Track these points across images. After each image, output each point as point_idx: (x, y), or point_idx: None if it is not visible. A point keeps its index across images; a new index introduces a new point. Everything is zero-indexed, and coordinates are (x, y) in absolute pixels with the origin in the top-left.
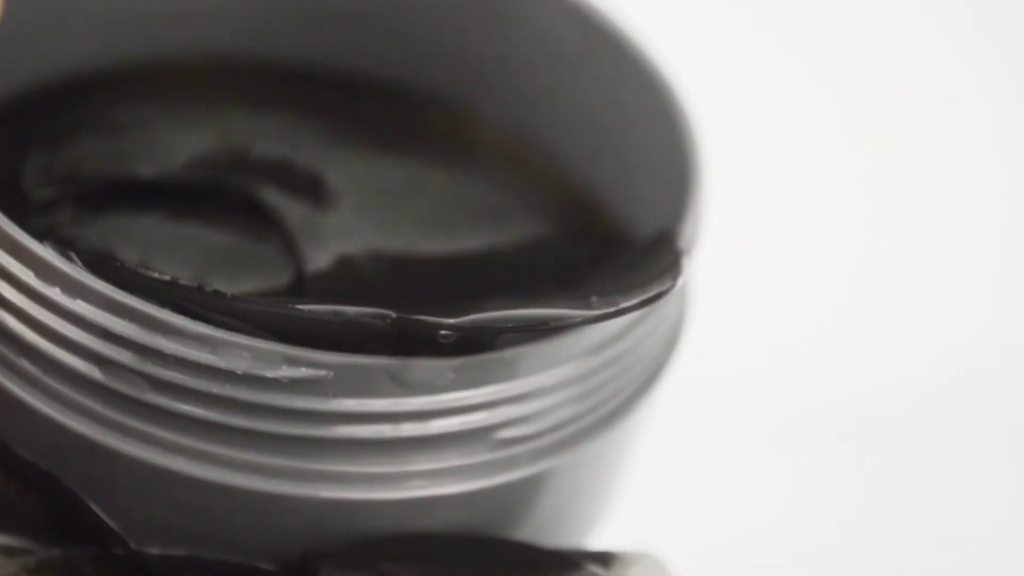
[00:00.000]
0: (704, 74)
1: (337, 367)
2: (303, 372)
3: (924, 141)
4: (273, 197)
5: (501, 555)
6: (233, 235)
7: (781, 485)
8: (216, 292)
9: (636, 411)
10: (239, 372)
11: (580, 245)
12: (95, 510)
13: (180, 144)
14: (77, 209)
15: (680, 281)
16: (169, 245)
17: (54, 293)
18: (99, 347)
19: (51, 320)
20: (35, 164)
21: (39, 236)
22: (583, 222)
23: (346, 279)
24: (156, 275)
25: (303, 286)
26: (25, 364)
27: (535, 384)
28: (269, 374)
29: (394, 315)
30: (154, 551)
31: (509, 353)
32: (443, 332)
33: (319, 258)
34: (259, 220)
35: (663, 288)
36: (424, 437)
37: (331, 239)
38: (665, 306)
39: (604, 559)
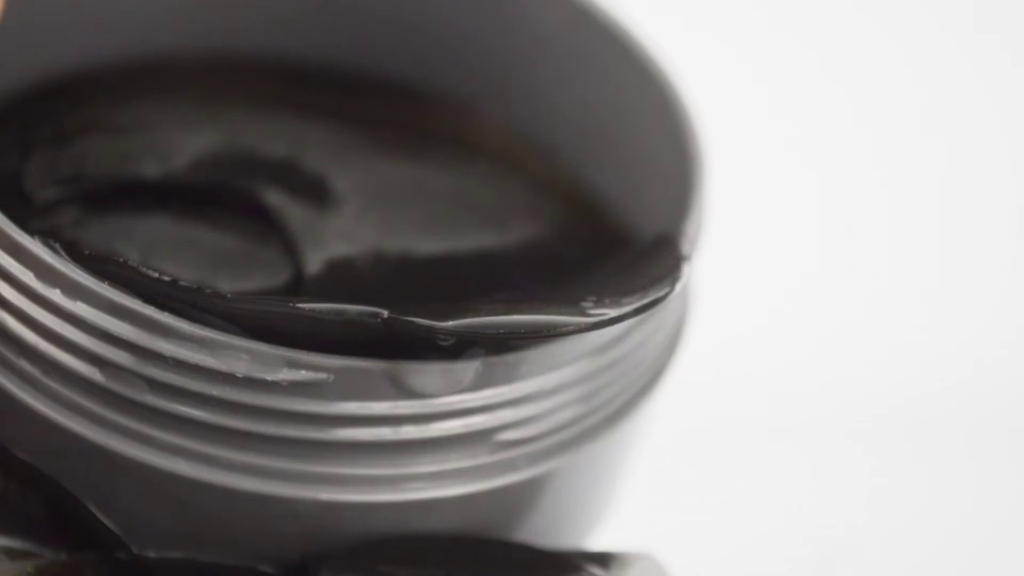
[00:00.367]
0: (708, 74)
1: (337, 370)
2: (303, 375)
3: (928, 142)
4: (276, 199)
5: (501, 556)
6: (236, 237)
7: (781, 487)
8: (198, 287)
9: (636, 413)
10: (239, 375)
11: (582, 246)
12: (96, 513)
13: (185, 144)
14: (80, 210)
15: (678, 287)
16: (171, 246)
17: (54, 295)
18: (99, 349)
19: (51, 322)
20: (39, 164)
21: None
22: (586, 223)
23: (346, 280)
24: (125, 261)
25: (302, 287)
26: (25, 365)
27: (535, 387)
28: (269, 377)
29: (386, 315)
30: (154, 554)
31: (510, 356)
32: (441, 335)
33: (320, 260)
34: (262, 222)
35: (659, 295)
36: (424, 440)
37: (333, 241)
38: (666, 309)
39: (603, 560)
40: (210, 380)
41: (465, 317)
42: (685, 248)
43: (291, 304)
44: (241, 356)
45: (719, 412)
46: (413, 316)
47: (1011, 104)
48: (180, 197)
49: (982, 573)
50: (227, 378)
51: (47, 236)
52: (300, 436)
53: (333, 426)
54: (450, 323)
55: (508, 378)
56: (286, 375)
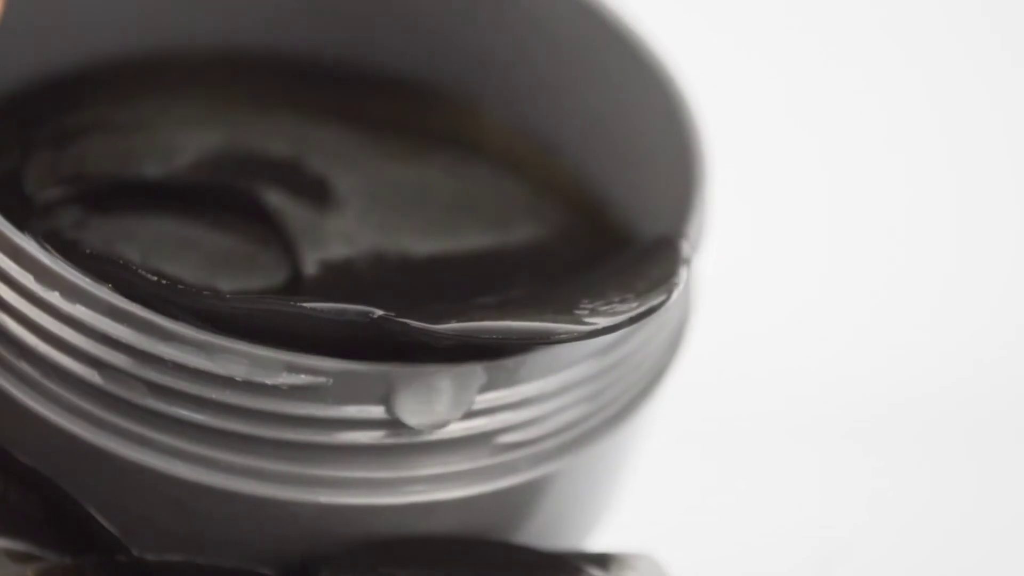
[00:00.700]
0: (711, 74)
1: (336, 374)
2: (302, 379)
3: (930, 142)
4: (277, 199)
5: (501, 558)
6: (236, 238)
7: (781, 487)
8: (193, 288)
9: (638, 414)
10: (238, 379)
11: (584, 245)
12: (96, 516)
13: (186, 144)
14: (81, 210)
15: (674, 295)
16: (172, 247)
17: (53, 297)
18: (98, 352)
19: (50, 324)
20: (39, 165)
21: (42, 238)
22: (587, 222)
23: (346, 281)
24: (125, 262)
25: (301, 287)
26: (25, 367)
27: (536, 390)
28: (268, 381)
29: (376, 315)
30: (154, 557)
31: (510, 360)
32: (432, 337)
33: (320, 261)
34: (262, 223)
35: (656, 303)
36: (424, 443)
37: (333, 242)
38: (668, 310)
39: (603, 561)
40: (209, 384)
41: (458, 320)
42: (685, 251)
43: (283, 303)
44: (240, 360)
45: (719, 412)
46: (405, 318)
47: (1012, 104)
48: (181, 197)
49: (983, 573)
50: (226, 382)
51: (48, 237)
52: (300, 439)
53: (333, 429)
54: (442, 326)
55: (509, 381)
56: (285, 379)
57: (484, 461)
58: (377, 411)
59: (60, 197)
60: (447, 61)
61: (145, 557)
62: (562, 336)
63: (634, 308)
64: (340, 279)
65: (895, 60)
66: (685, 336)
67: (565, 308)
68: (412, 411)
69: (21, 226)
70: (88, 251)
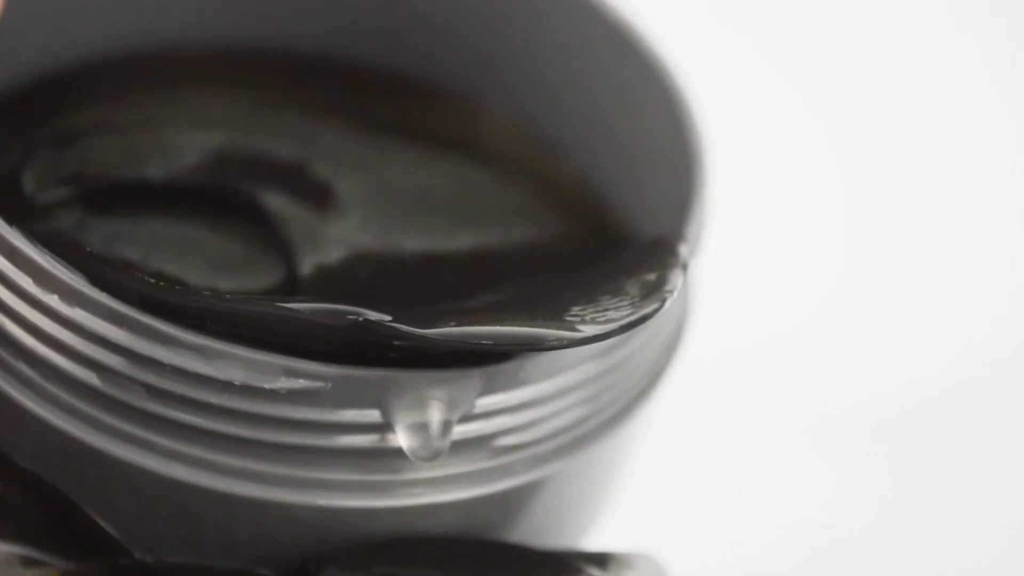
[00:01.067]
0: (712, 74)
1: (335, 378)
2: (301, 383)
3: (932, 141)
4: (278, 202)
5: (500, 558)
6: (237, 241)
7: (780, 488)
8: (176, 283)
9: (636, 416)
10: (236, 383)
11: (585, 245)
12: (97, 520)
13: (188, 144)
14: (82, 212)
15: (667, 304)
16: (172, 250)
17: (52, 300)
18: (97, 354)
19: (49, 326)
20: (40, 166)
21: (42, 240)
22: (589, 222)
23: (346, 282)
24: (125, 264)
25: (298, 289)
26: (24, 368)
27: (534, 393)
28: (267, 385)
29: (362, 318)
30: (155, 560)
31: (508, 364)
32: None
33: (320, 263)
34: (263, 224)
35: (649, 311)
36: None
37: (333, 244)
38: (664, 315)
39: (602, 561)
40: (208, 387)
41: (448, 324)
42: (683, 255)
43: (269, 303)
44: (238, 364)
45: (719, 413)
46: (394, 321)
47: (1014, 104)
48: (182, 199)
49: (983, 573)
50: (225, 385)
51: (48, 237)
52: (298, 443)
53: (331, 433)
54: (430, 331)
55: (507, 384)
56: (284, 383)
57: (482, 464)
58: (375, 415)
59: (61, 198)
60: (449, 60)
61: (146, 560)
62: (552, 343)
63: (627, 316)
64: (339, 281)
65: (896, 60)
66: (683, 338)
67: (557, 313)
68: (408, 417)
69: (21, 228)
70: (88, 250)
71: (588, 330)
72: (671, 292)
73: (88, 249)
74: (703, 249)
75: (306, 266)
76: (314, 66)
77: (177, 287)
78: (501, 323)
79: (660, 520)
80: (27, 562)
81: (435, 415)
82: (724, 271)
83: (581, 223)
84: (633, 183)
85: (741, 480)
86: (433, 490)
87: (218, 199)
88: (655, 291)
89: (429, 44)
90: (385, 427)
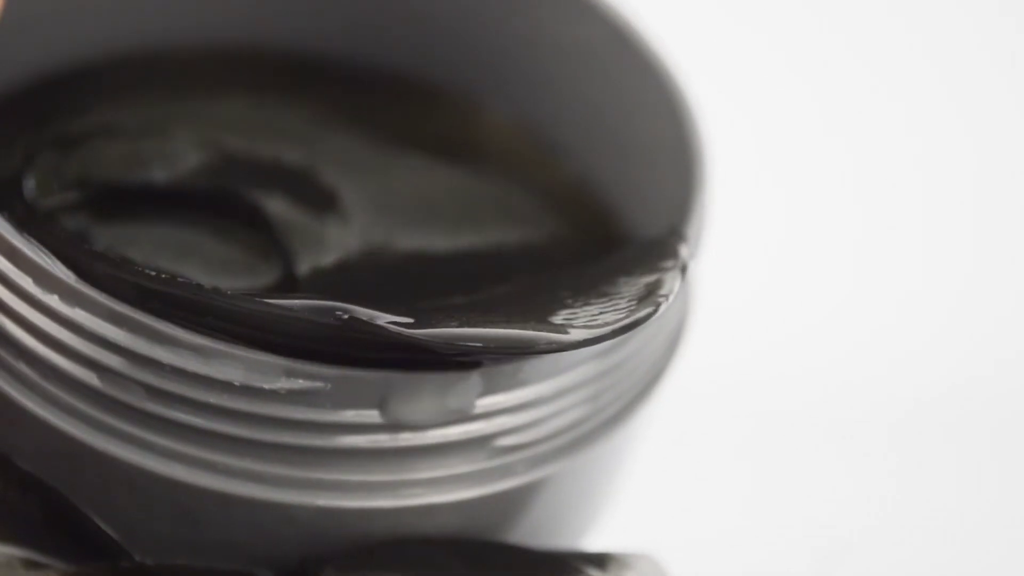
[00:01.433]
0: (713, 74)
1: (334, 379)
2: (300, 383)
3: (934, 140)
4: (280, 206)
5: (499, 559)
6: (238, 245)
7: (779, 488)
8: (148, 268)
9: (636, 417)
10: (236, 383)
11: (585, 244)
12: (97, 522)
13: (191, 148)
14: (84, 216)
15: (663, 308)
16: (173, 254)
17: (52, 300)
18: (96, 355)
19: (49, 327)
20: (41, 170)
21: (40, 236)
22: (589, 222)
23: (343, 283)
24: (124, 258)
25: (297, 287)
26: (24, 368)
27: (534, 393)
28: (267, 386)
29: (347, 316)
30: (155, 561)
31: (508, 365)
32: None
33: (319, 264)
34: (263, 230)
35: (643, 314)
36: (422, 446)
37: (333, 245)
38: (661, 316)
39: (601, 561)
40: (207, 387)
41: (440, 323)
42: (682, 257)
43: (258, 299)
44: (238, 365)
45: (719, 413)
46: (382, 320)
47: (1015, 104)
48: (184, 203)
49: (983, 574)
50: (224, 386)
51: (45, 234)
52: (298, 443)
53: (331, 433)
54: (418, 332)
55: (506, 385)
56: (284, 383)
57: (481, 464)
58: (374, 415)
59: (63, 203)
60: (449, 61)
61: (146, 562)
62: (543, 347)
63: (620, 320)
64: (338, 282)
65: (897, 59)
66: (684, 338)
67: (550, 315)
68: (408, 416)
69: (21, 228)
70: (85, 245)
71: (580, 334)
72: (666, 296)
73: (84, 244)
74: (703, 249)
75: (306, 269)
76: (314, 68)
77: (168, 277)
78: (492, 325)
79: (660, 520)
80: (28, 564)
81: (440, 396)
82: (725, 271)
83: (581, 224)
84: (633, 184)
85: (741, 480)
86: (432, 490)
87: (220, 203)
88: (651, 294)
89: (429, 45)
90: (385, 427)
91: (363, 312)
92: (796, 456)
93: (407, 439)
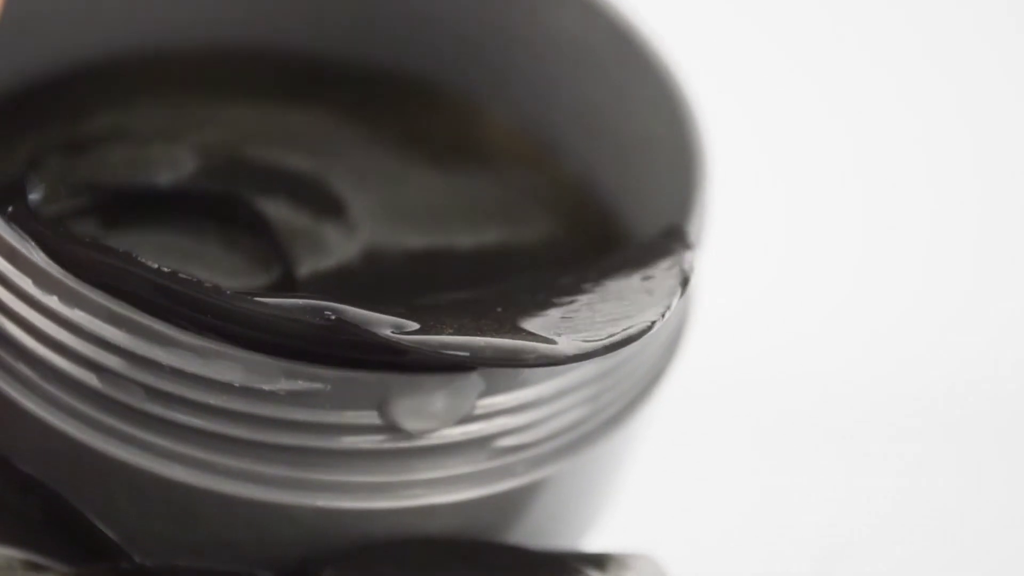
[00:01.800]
0: (713, 73)
1: (335, 380)
2: (300, 385)
3: (936, 138)
4: (281, 210)
5: (499, 560)
6: (240, 250)
7: (779, 488)
8: (136, 258)
9: (636, 417)
10: (236, 384)
11: (585, 244)
12: (97, 524)
13: (194, 153)
14: (89, 221)
15: (658, 326)
16: (175, 260)
17: (52, 301)
18: (96, 355)
19: (48, 327)
20: (50, 173)
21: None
22: (589, 221)
23: (344, 284)
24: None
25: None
26: (23, 369)
27: (534, 394)
28: (266, 387)
29: (333, 317)
30: (155, 563)
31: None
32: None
33: (318, 268)
34: (266, 235)
35: (636, 331)
36: (422, 447)
37: (333, 247)
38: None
39: (601, 561)
40: (207, 389)
41: (430, 330)
42: (685, 269)
43: (249, 299)
44: (238, 366)
45: (719, 413)
46: (372, 324)
47: (1018, 104)
48: (188, 209)
49: (983, 574)
50: (224, 387)
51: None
52: (298, 444)
53: (331, 434)
54: (407, 338)
55: (507, 385)
56: (284, 385)
57: (481, 465)
58: (374, 416)
59: (67, 208)
60: (448, 61)
61: (145, 564)
62: (531, 361)
63: (613, 335)
64: (337, 284)
65: (897, 59)
66: (684, 338)
67: (545, 321)
68: (409, 417)
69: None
70: (88, 240)
71: (571, 348)
72: (663, 314)
73: (87, 239)
74: (703, 249)
75: (307, 272)
76: (315, 70)
77: (170, 271)
78: (484, 332)
79: (659, 521)
80: (28, 566)
81: (441, 397)
82: (725, 271)
83: (581, 224)
84: (633, 183)
85: (741, 481)
86: (432, 491)
87: (224, 208)
88: (649, 308)
89: (429, 46)
90: (385, 428)
91: (353, 312)
92: (796, 456)
93: (407, 440)
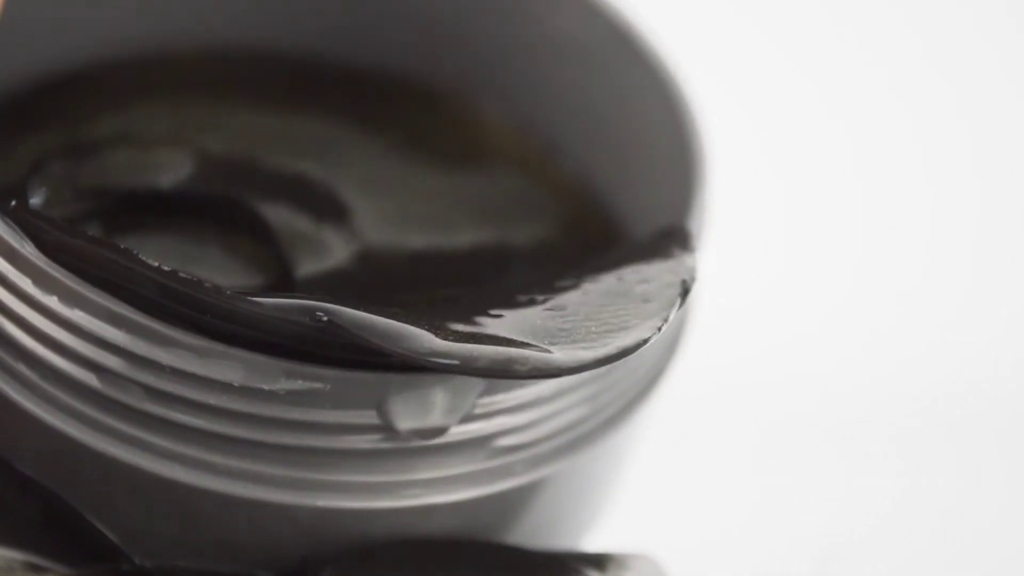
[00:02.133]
0: (713, 73)
1: (334, 380)
2: (300, 384)
3: (937, 138)
4: (281, 213)
5: (498, 560)
6: (240, 253)
7: (779, 488)
8: (136, 255)
9: (635, 417)
10: (235, 384)
11: (585, 244)
12: (96, 525)
13: (195, 156)
14: (95, 225)
15: (653, 339)
16: (178, 264)
17: (52, 301)
18: (95, 356)
19: (48, 327)
20: (54, 177)
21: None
22: (588, 221)
23: (344, 285)
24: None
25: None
26: (23, 369)
27: (533, 393)
28: (266, 387)
29: (325, 319)
30: (154, 564)
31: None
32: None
33: (318, 269)
34: (267, 238)
35: (632, 344)
36: (421, 447)
37: (332, 249)
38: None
39: (600, 562)
40: (207, 388)
41: (422, 334)
42: (685, 280)
43: (239, 298)
44: (238, 366)
45: (719, 413)
46: (363, 329)
47: (1018, 104)
48: (190, 212)
49: (983, 574)
50: (224, 386)
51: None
52: (297, 444)
53: (330, 434)
54: (396, 347)
55: (506, 385)
56: (284, 385)
57: (481, 464)
58: (374, 416)
59: (70, 212)
60: (448, 61)
61: (145, 565)
62: (522, 372)
63: (608, 346)
64: (337, 284)
65: (898, 58)
66: (683, 338)
67: (537, 332)
68: (408, 419)
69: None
70: (90, 235)
71: (562, 360)
72: (659, 328)
73: (90, 235)
74: (703, 249)
75: (307, 273)
76: (315, 71)
77: (170, 270)
78: (476, 340)
79: (659, 521)
80: (28, 567)
81: (440, 398)
82: (725, 271)
83: (581, 224)
84: (633, 183)
85: (741, 481)
86: (432, 491)
87: (225, 211)
88: (647, 318)
89: (428, 46)
90: (384, 428)
91: (344, 314)
92: (796, 456)
93: (406, 439)
